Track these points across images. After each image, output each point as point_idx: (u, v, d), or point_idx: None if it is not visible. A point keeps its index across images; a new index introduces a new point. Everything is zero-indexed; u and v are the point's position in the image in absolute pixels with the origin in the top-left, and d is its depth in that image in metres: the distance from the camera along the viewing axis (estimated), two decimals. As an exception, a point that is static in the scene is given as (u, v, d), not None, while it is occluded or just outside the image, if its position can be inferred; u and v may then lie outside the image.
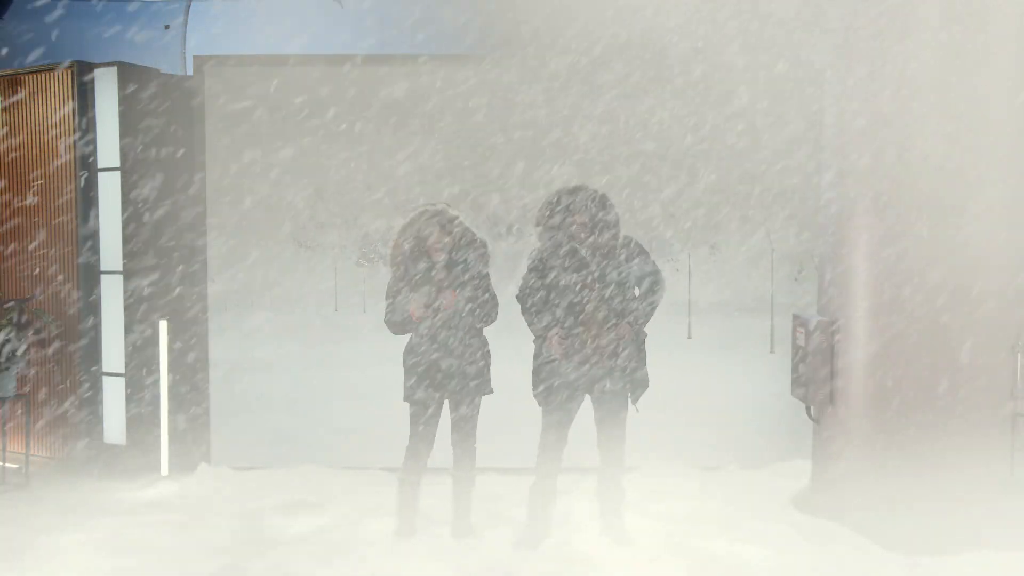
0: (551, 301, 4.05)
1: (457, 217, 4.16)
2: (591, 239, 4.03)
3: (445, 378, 4.10)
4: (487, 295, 4.16)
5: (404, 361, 4.15)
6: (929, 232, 4.11)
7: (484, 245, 4.20)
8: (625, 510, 4.23)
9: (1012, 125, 4.08)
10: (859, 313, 4.35)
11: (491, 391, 4.20)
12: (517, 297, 4.12)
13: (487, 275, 4.18)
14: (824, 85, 4.67)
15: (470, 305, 4.10)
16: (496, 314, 4.21)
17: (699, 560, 4.00)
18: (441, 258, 4.12)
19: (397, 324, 4.11)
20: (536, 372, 4.11)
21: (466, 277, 4.12)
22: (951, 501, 4.07)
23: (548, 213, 4.07)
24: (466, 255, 4.14)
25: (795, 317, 4.74)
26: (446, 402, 4.20)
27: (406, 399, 4.15)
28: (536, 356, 4.12)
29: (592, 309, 4.01)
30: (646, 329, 4.13)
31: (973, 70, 4.06)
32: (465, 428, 4.20)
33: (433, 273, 4.11)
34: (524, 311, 4.12)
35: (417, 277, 4.10)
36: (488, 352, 4.20)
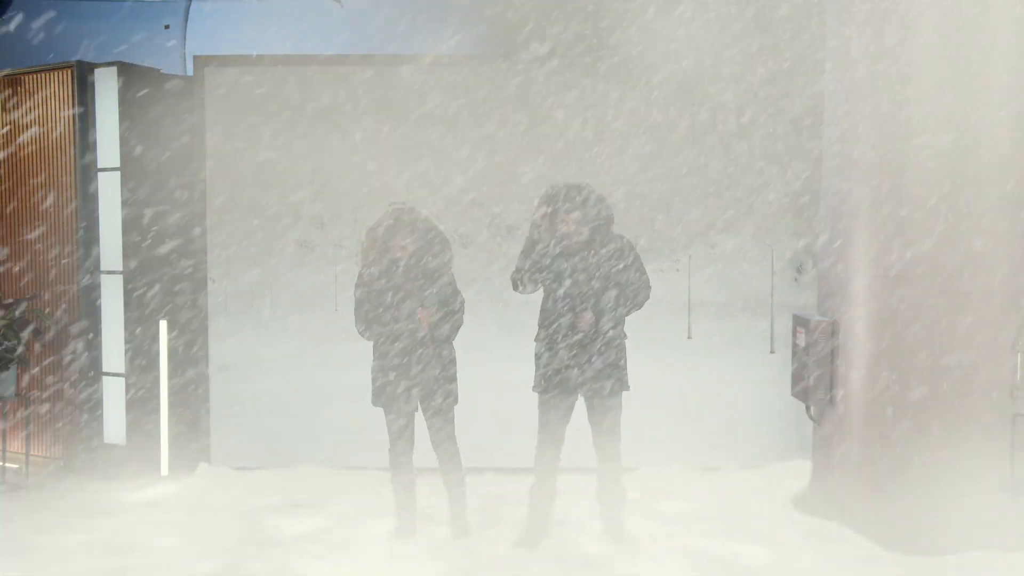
0: (537, 273, 4.06)
1: (421, 216, 4.16)
2: (580, 240, 4.04)
3: (410, 391, 4.12)
4: (453, 297, 4.15)
5: (372, 367, 4.18)
6: (929, 232, 4.11)
7: (448, 244, 4.20)
8: (625, 510, 4.23)
9: (1013, 125, 4.08)
10: (859, 313, 4.35)
11: (456, 401, 4.20)
12: (511, 275, 4.10)
13: (450, 273, 4.18)
14: (825, 85, 4.67)
15: (440, 319, 4.11)
16: (462, 312, 4.19)
17: (699, 560, 4.00)
18: (406, 258, 4.12)
19: (365, 334, 4.16)
20: (536, 369, 4.13)
21: (432, 281, 4.12)
22: (951, 501, 4.07)
23: (540, 220, 4.09)
24: (431, 255, 4.14)
25: (795, 317, 4.74)
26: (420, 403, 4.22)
27: (373, 404, 4.20)
28: (537, 356, 4.13)
29: (577, 302, 4.01)
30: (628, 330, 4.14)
31: (974, 70, 4.05)
32: (441, 436, 4.20)
33: (399, 274, 4.11)
34: (516, 284, 4.13)
35: (382, 281, 4.11)
36: (454, 363, 4.20)
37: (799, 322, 4.66)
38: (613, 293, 4.03)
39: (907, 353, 4.17)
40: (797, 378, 4.67)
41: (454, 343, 4.21)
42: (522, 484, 4.31)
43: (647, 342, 4.64)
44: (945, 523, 4.05)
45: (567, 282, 4.03)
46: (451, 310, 4.14)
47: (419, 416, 4.22)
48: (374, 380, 4.17)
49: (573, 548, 4.12)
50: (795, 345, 4.70)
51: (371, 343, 4.19)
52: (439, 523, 4.36)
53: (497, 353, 4.68)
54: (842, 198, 4.46)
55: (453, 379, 4.18)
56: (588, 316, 4.00)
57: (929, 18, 4.09)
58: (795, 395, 4.72)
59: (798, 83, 5.28)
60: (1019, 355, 4.05)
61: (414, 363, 4.10)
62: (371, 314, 4.11)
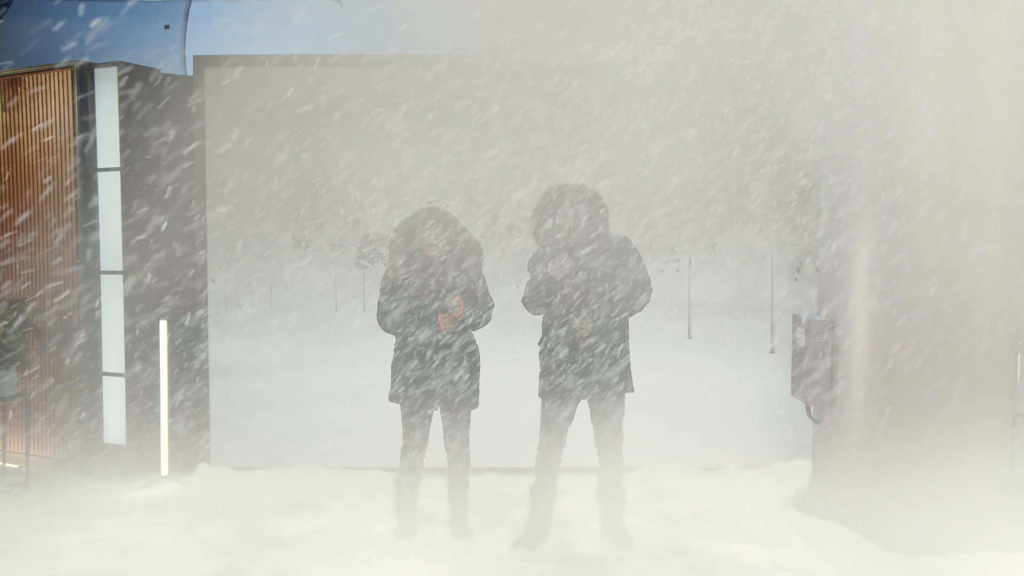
0: (548, 297, 4.07)
1: (454, 217, 4.17)
2: (578, 237, 4.05)
3: (431, 389, 4.12)
4: (483, 300, 4.17)
5: (392, 363, 4.18)
6: (928, 232, 4.12)
7: (479, 247, 4.21)
8: (625, 510, 4.23)
9: (1012, 125, 4.08)
10: (859, 313, 4.35)
11: (477, 405, 4.21)
12: (522, 301, 4.14)
13: (482, 277, 4.20)
14: (825, 85, 4.67)
15: (464, 319, 4.11)
16: (490, 316, 4.22)
17: (699, 560, 4.00)
18: (436, 257, 4.13)
19: (388, 328, 4.16)
20: (540, 374, 4.13)
21: (460, 278, 4.13)
22: (951, 501, 4.08)
23: (537, 222, 4.11)
24: (461, 256, 4.15)
25: (795, 317, 4.74)
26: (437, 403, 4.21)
27: (391, 399, 4.20)
28: (542, 360, 4.13)
29: (578, 305, 4.02)
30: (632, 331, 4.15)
31: (973, 71, 4.06)
32: (456, 436, 4.20)
33: (428, 273, 4.12)
34: (533, 311, 4.16)
35: (411, 275, 4.11)
36: (478, 364, 4.21)
37: (799, 322, 4.66)
38: (614, 295, 4.03)
39: (907, 353, 4.17)
40: (797, 378, 4.67)
41: (480, 348, 4.21)
42: (522, 484, 4.31)
43: (647, 342, 4.63)
44: (945, 523, 4.05)
45: (568, 286, 4.03)
46: (478, 315, 4.15)
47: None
48: (394, 376, 4.17)
49: (573, 548, 4.12)
50: (795, 345, 4.70)
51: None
52: (439, 523, 4.37)
53: (497, 353, 4.66)
54: (842, 198, 4.46)
55: (476, 381, 4.19)
56: (588, 320, 4.00)
57: (929, 18, 4.09)
58: (795, 395, 4.72)
59: (799, 83, 5.28)
60: (1019, 355, 4.05)
61: (436, 363, 4.10)
62: (396, 311, 4.11)
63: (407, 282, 4.11)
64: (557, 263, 4.01)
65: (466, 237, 4.17)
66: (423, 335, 4.10)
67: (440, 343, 4.09)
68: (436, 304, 4.08)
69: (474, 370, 4.17)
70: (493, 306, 4.21)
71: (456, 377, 4.11)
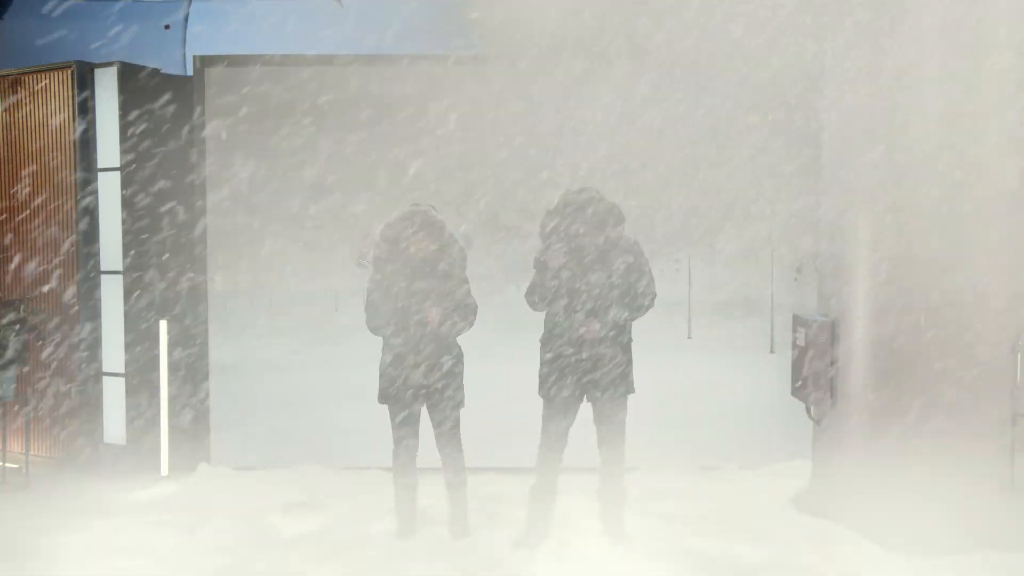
0: (553, 294, 4.06)
1: (439, 219, 4.16)
2: (589, 241, 4.04)
3: (417, 390, 4.12)
4: (466, 302, 4.16)
5: (380, 364, 4.18)
6: (929, 233, 4.12)
7: (462, 248, 4.20)
8: (625, 510, 4.23)
9: (1012, 125, 4.08)
10: (859, 313, 4.35)
11: (463, 403, 4.21)
12: (525, 295, 4.13)
13: (466, 279, 4.19)
14: (824, 84, 4.67)
15: (449, 320, 4.10)
16: (474, 320, 4.20)
17: (699, 560, 4.00)
18: (422, 259, 4.12)
19: (373, 328, 4.16)
20: (540, 371, 4.12)
21: (445, 282, 4.12)
22: (951, 501, 4.07)
23: (549, 226, 4.10)
24: (446, 257, 4.14)
25: (795, 317, 4.74)
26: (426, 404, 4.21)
27: (380, 401, 4.20)
28: (542, 360, 4.12)
29: (583, 306, 4.02)
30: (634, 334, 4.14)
31: (973, 71, 4.06)
32: (446, 437, 4.20)
33: (412, 275, 4.11)
34: (533, 306, 4.15)
35: (396, 278, 4.10)
36: (461, 363, 4.20)
37: (799, 322, 4.66)
38: (619, 298, 4.02)
39: (907, 353, 4.17)
40: (797, 378, 4.67)
41: (461, 345, 4.21)
42: (522, 484, 4.31)
43: (647, 342, 4.64)
44: (945, 523, 4.05)
45: (574, 287, 4.02)
46: (463, 316, 4.14)
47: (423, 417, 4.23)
48: (381, 377, 4.17)
49: (573, 548, 4.12)
50: (795, 345, 4.70)
51: (378, 341, 4.19)
52: (439, 523, 4.36)
53: (497, 353, 4.68)
54: (842, 198, 4.46)
55: (460, 381, 4.18)
56: (595, 325, 3.99)
57: (928, 21, 4.09)
58: (795, 395, 4.72)
59: (800, 83, 5.29)
60: (1019, 355, 4.05)
61: (422, 363, 4.10)
62: (383, 311, 4.10)
63: (393, 283, 4.10)
64: (552, 252, 4.00)
65: (452, 239, 4.17)
66: (408, 337, 4.09)
67: (424, 344, 4.09)
68: (422, 302, 4.07)
69: (457, 369, 4.17)
70: (475, 311, 4.20)
71: (440, 377, 4.10)
